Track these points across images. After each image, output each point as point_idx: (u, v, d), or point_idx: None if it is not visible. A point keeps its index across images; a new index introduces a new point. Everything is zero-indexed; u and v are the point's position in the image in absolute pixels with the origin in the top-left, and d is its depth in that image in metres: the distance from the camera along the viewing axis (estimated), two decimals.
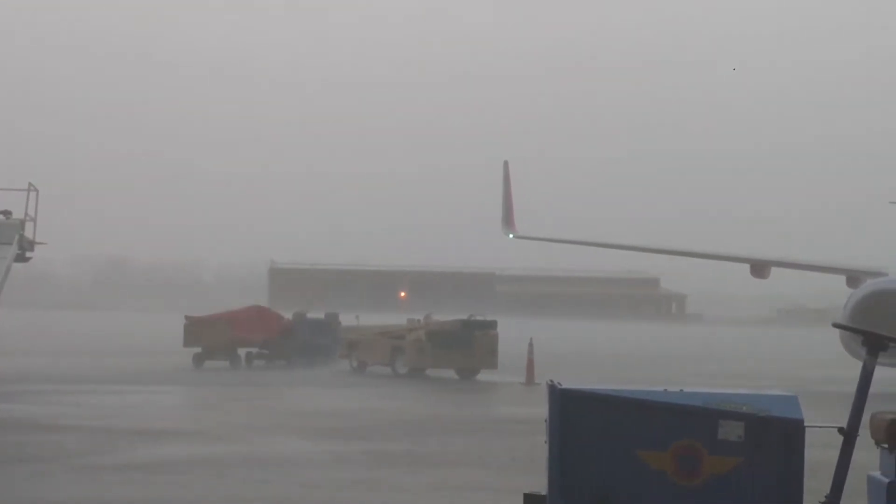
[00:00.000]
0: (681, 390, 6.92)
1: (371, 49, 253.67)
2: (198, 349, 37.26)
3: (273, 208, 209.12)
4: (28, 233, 29.42)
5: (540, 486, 7.15)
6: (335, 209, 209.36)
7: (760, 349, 56.39)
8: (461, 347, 33.51)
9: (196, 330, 37.74)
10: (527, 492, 7.28)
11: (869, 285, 31.29)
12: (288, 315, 41.09)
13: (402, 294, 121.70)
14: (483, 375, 33.36)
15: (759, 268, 37.71)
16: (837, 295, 36.27)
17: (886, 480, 7.18)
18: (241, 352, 37.98)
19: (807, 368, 39.15)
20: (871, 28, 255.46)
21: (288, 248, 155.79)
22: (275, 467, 15.23)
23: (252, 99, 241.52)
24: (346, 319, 41.42)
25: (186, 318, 38.56)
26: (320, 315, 41.67)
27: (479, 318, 35.11)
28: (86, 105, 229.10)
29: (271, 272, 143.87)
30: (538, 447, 7.40)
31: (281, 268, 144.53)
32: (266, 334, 38.46)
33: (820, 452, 7.56)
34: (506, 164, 42.56)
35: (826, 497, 6.76)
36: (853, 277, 35.03)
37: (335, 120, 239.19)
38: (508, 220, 41.77)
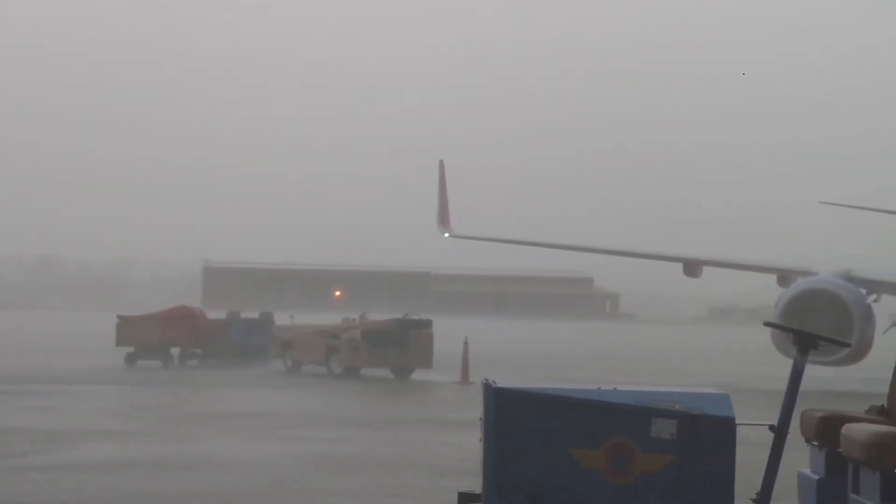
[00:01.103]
0: (614, 389, 6.95)
1: (306, 50, 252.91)
2: (130, 348, 36.94)
3: (208, 207, 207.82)
4: None
5: (474, 485, 7.15)
6: (270, 208, 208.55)
7: (693, 348, 56.89)
8: (396, 347, 33.47)
9: (128, 329, 37.42)
10: (461, 491, 7.28)
11: (799, 284, 31.65)
12: (221, 314, 40.79)
13: (337, 293, 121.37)
14: (418, 375, 33.35)
15: (692, 267, 38.00)
16: (769, 294, 36.70)
17: (816, 477, 7.26)
18: (174, 351, 37.70)
19: (738, 367, 39.53)
20: (805, 29, 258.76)
21: (222, 248, 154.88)
22: (205, 468, 15.11)
23: (187, 95, 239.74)
24: (281, 319, 41.21)
25: (119, 317, 38.23)
26: (254, 314, 41.43)
27: (414, 317, 35.07)
28: (12, 99, 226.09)
29: (205, 271, 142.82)
30: (473, 446, 7.40)
31: (215, 267, 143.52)
32: (199, 334, 38.19)
33: (751, 450, 7.63)
34: (441, 163, 42.59)
35: (757, 494, 6.82)
36: (784, 277, 35.40)
37: (271, 119, 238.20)
38: (444, 220, 41.77)
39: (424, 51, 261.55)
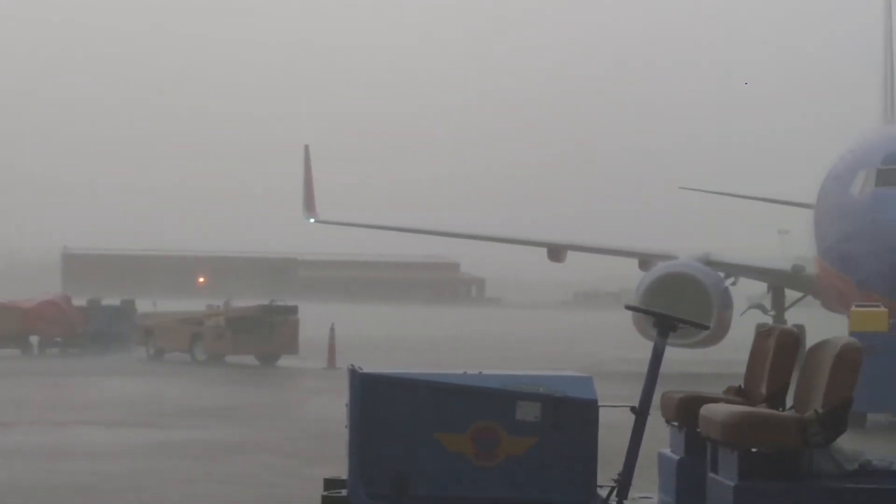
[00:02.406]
0: (479, 373, 7.00)
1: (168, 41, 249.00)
2: None
3: (65, 192, 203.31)
4: None
5: (341, 471, 7.13)
6: (131, 192, 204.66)
7: (557, 332, 57.58)
8: (261, 333, 33.30)
9: None
10: (327, 477, 7.26)
11: (660, 268, 32.23)
12: (82, 302, 40.04)
13: (201, 280, 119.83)
14: (284, 361, 33.18)
15: (556, 252, 38.42)
16: (631, 278, 37.26)
17: (676, 457, 7.40)
18: (34, 339, 36.92)
19: (602, 350, 40.12)
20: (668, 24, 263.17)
21: (82, 234, 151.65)
22: (66, 457, 14.82)
23: (44, 81, 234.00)
24: (143, 306, 40.58)
25: None
26: (116, 302, 40.75)
27: (279, 303, 34.89)
28: None
29: (64, 258, 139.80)
30: (339, 432, 7.38)
31: (74, 253, 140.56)
32: (59, 322, 37.45)
33: (613, 431, 7.75)
34: (306, 148, 42.32)
35: (619, 474, 6.93)
36: (645, 261, 36.01)
37: (128, 100, 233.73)
38: (309, 205, 41.54)
39: (304, 42, 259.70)
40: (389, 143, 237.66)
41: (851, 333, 18.31)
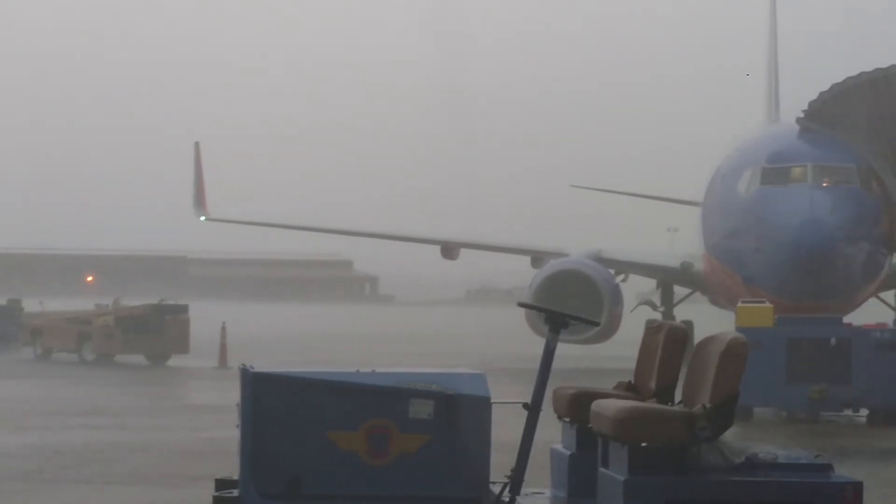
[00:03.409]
0: (372, 371, 6.98)
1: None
2: None
3: None
4: None
5: (232, 471, 7.07)
6: (16, 188, 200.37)
7: (451, 329, 57.73)
8: (151, 332, 32.91)
9: None
10: (218, 477, 7.19)
11: (552, 266, 32.49)
12: None
13: (90, 278, 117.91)
14: (174, 360, 32.80)
15: (449, 249, 38.53)
16: (523, 275, 37.50)
17: (568, 453, 7.46)
18: None
19: (495, 347, 40.32)
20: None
21: None
22: None
23: None
24: (30, 305, 39.82)
25: None
26: (1, 301, 39.94)
27: (170, 302, 34.50)
28: None
29: None
30: (230, 432, 7.31)
31: None
32: None
33: (506, 428, 7.79)
34: (197, 145, 41.85)
35: (511, 470, 6.97)
36: (537, 258, 36.27)
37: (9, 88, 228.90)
38: (200, 202, 41.10)
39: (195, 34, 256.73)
40: (281, 140, 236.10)
41: (738, 329, 18.64)
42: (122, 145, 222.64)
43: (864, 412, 20.02)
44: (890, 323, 28.50)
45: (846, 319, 21.95)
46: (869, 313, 28.72)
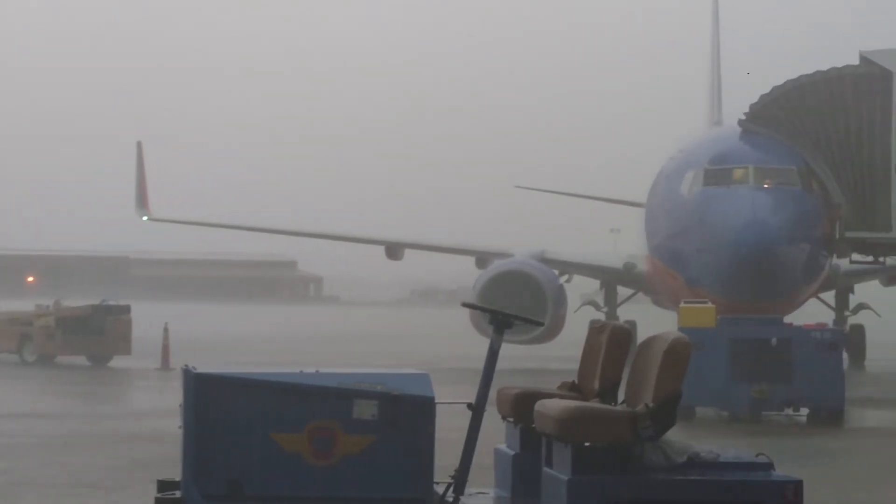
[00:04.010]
0: (316, 371, 6.96)
1: None
2: None
3: None
4: None
5: (174, 472, 7.02)
6: None
7: (395, 330, 57.68)
8: (93, 333, 32.63)
9: None
10: (161, 478, 7.14)
11: (496, 266, 32.58)
12: None
13: (30, 279, 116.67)
14: (116, 361, 32.52)
15: (394, 250, 38.52)
16: (468, 276, 37.57)
17: (511, 453, 7.48)
18: None
19: (439, 347, 40.34)
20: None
21: None
22: None
23: None
24: None
25: None
26: None
27: (111, 302, 34.18)
28: None
29: None
30: (173, 433, 7.26)
31: None
32: None
33: (450, 428, 7.79)
34: (139, 144, 41.57)
35: (455, 470, 6.97)
36: (482, 259, 36.35)
37: None
38: (143, 202, 40.82)
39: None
40: (225, 141, 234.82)
41: (680, 329, 18.78)
42: (64, 145, 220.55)
43: (804, 411, 20.23)
44: (829, 323, 28.87)
45: (787, 320, 22.19)
46: (809, 314, 29.03)
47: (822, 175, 26.74)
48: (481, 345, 8.10)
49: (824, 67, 26.50)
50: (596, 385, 7.39)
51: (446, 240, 41.93)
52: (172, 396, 7.61)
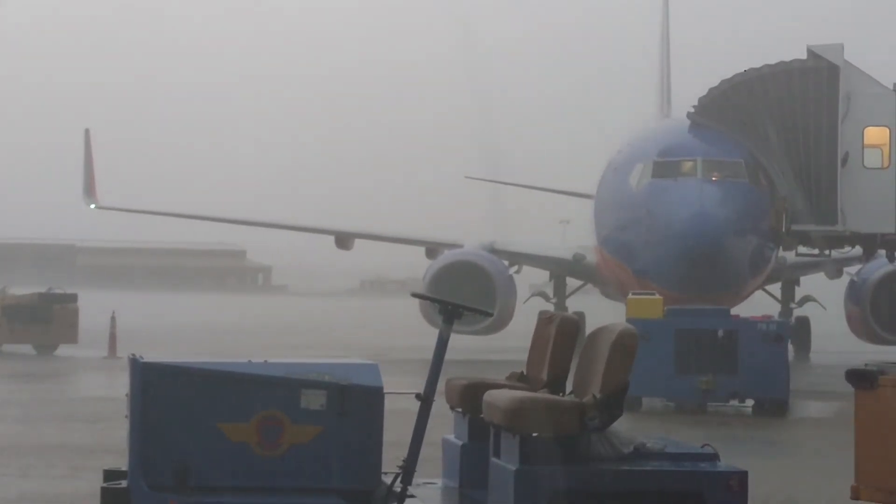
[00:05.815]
0: (264, 361, 6.95)
1: None
2: None
3: None
4: None
5: (121, 462, 6.98)
6: None
7: (344, 320, 57.59)
8: (39, 322, 32.37)
9: None
10: (107, 468, 7.10)
11: (446, 256, 32.62)
12: None
13: None
14: (63, 350, 32.27)
15: (343, 240, 38.42)
16: (418, 266, 37.55)
17: (460, 443, 7.51)
18: None
19: (388, 338, 40.32)
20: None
21: None
22: None
23: None
24: None
25: None
26: None
27: (58, 291, 33.92)
28: None
29: None
30: (119, 422, 7.21)
31: None
32: None
33: (398, 418, 7.80)
34: (87, 132, 41.19)
35: (404, 460, 6.99)
36: (432, 249, 36.36)
37: None
38: (90, 190, 40.48)
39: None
40: (173, 130, 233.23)
41: (628, 320, 18.88)
42: (9, 131, 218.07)
43: (749, 402, 20.42)
44: (775, 315, 29.14)
45: (734, 311, 22.37)
46: (756, 306, 29.29)
47: (770, 168, 26.98)
48: (431, 335, 8.12)
49: (772, 61, 26.73)
50: (544, 376, 7.42)
51: (396, 230, 41.88)
52: (119, 385, 7.57)
